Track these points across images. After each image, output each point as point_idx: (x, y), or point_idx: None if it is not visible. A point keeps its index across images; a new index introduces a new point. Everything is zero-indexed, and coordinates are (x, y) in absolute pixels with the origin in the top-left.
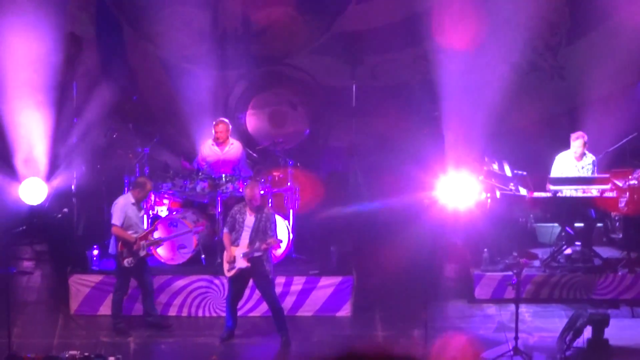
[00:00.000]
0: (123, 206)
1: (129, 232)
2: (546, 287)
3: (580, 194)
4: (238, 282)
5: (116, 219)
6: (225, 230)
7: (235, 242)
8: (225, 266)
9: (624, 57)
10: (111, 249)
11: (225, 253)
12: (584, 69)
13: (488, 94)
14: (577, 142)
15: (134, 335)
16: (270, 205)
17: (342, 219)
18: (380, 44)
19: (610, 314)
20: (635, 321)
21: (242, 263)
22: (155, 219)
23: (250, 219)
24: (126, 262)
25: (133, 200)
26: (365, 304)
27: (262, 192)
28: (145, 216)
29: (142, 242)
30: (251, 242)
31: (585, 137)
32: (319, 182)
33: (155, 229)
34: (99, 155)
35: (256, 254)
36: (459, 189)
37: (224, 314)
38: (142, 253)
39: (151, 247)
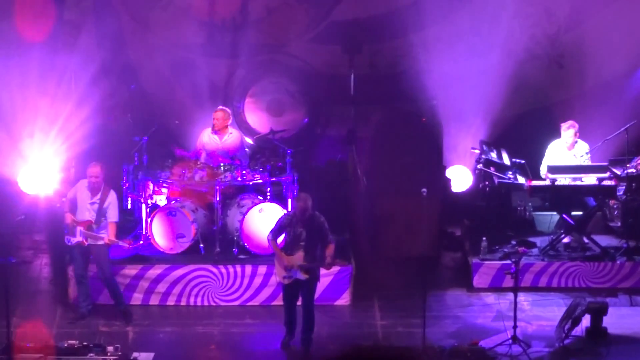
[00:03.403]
0: (76, 186)
1: (75, 214)
2: (545, 276)
3: (578, 182)
4: (292, 289)
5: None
6: (270, 236)
7: (287, 252)
8: (281, 274)
9: (622, 44)
10: None
11: (279, 261)
12: (582, 57)
13: (486, 82)
14: (569, 132)
15: (132, 324)
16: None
17: (340, 208)
18: (378, 32)
19: (609, 303)
20: (633, 309)
21: (300, 275)
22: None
23: (302, 231)
24: (66, 239)
25: (87, 184)
26: (364, 292)
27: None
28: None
29: (80, 228)
30: (307, 253)
31: (577, 126)
32: (318, 171)
33: (93, 223)
34: (98, 144)
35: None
36: (454, 178)
37: (222, 304)
38: (78, 238)
39: (88, 238)
